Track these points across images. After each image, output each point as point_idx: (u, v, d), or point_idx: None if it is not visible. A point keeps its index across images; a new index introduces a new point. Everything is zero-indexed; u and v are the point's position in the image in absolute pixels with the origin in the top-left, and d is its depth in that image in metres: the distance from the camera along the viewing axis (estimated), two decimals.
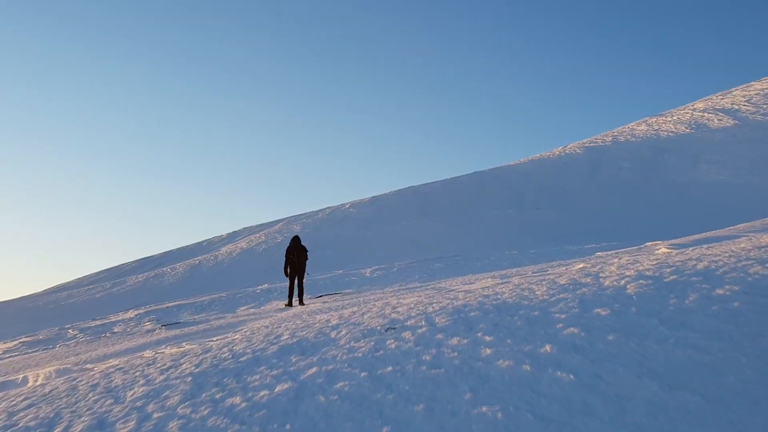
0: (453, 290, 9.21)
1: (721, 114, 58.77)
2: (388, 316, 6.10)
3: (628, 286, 5.63)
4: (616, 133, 63.62)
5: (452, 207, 46.88)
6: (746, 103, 59.69)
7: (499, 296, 6.23)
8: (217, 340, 6.77)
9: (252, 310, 17.44)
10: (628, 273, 6.29)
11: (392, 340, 5.12)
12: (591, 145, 60.82)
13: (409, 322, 5.61)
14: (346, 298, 13.84)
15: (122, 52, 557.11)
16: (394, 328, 5.48)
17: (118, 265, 52.74)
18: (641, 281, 5.75)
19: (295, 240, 14.26)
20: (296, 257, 14.01)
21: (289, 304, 13.84)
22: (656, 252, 9.96)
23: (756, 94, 61.46)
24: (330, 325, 6.32)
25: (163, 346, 7.71)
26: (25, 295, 45.62)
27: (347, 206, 50.88)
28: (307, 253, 14.38)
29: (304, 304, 13.75)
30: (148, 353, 6.86)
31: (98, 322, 19.55)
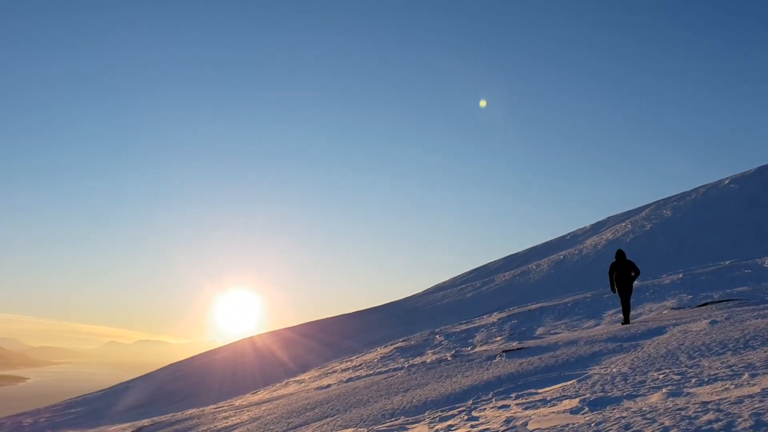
0: None
1: None
2: None
3: None
4: None
5: None
6: None
7: None
8: (533, 414, 5.04)
9: (619, 316, 15.62)
10: None
11: None
12: None
13: None
14: (734, 314, 11.06)
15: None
16: None
17: (486, 264, 54.86)
18: None
19: (620, 255, 13.33)
20: (621, 274, 13.07)
21: (626, 322, 12.95)
22: None
23: None
24: None
25: (488, 396, 6.59)
26: (407, 296, 50.48)
27: (726, 182, 43.93)
28: (634, 266, 13.11)
29: (629, 323, 12.74)
30: (457, 418, 5.76)
31: (463, 327, 19.82)
